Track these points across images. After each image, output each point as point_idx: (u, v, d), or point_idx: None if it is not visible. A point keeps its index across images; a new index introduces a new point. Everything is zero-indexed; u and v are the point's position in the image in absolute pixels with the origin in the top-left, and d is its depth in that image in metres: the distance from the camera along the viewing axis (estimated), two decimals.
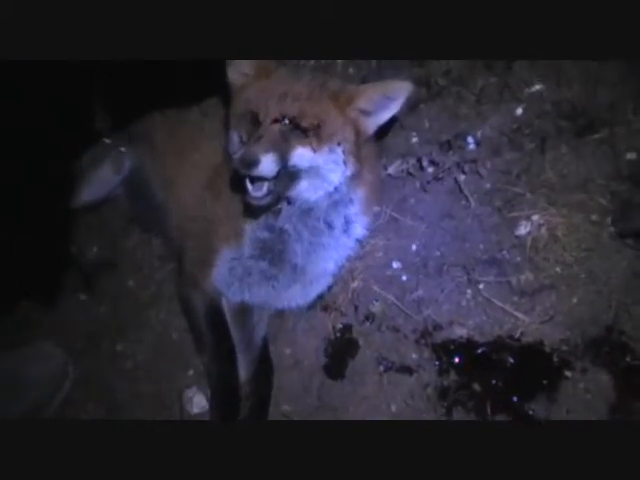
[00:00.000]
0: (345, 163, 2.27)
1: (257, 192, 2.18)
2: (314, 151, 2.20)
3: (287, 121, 2.18)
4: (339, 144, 2.24)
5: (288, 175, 2.20)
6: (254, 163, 2.07)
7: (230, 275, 2.56)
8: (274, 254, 2.47)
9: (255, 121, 2.22)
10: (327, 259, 2.51)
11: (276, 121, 2.18)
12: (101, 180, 3.14)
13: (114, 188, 3.16)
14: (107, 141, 3.00)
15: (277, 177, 2.16)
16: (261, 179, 2.15)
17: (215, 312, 2.67)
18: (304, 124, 2.19)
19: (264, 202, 2.21)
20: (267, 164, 2.09)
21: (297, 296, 2.61)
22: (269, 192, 2.18)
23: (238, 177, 2.22)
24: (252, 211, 2.39)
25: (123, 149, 3.03)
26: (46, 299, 3.11)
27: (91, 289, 3.15)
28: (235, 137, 2.31)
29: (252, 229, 2.46)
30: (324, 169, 2.25)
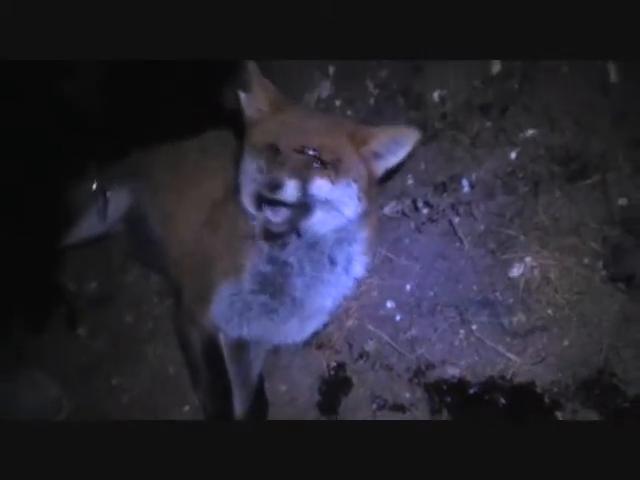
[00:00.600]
0: (359, 199, 2.31)
1: (277, 217, 2.22)
2: (332, 183, 2.24)
3: (309, 152, 2.23)
4: (355, 180, 2.29)
5: (305, 205, 2.24)
6: (279, 186, 2.12)
7: (229, 310, 2.56)
8: (275, 287, 2.49)
9: (275, 151, 2.25)
10: (325, 295, 2.53)
11: (297, 151, 2.23)
12: None
13: (114, 224, 3.19)
14: (94, 187, 3.02)
15: (294, 206, 2.21)
16: (281, 204, 2.20)
17: (212, 347, 2.67)
18: (324, 157, 2.23)
19: (281, 229, 2.26)
20: (291, 189, 2.14)
21: (294, 331, 2.62)
22: (287, 219, 2.23)
23: (259, 201, 2.27)
24: (269, 237, 2.39)
25: (109, 194, 3.05)
26: (37, 326, 3.12)
27: (78, 324, 3.17)
28: (254, 165, 2.32)
29: (253, 263, 2.47)
30: (339, 202, 2.29)
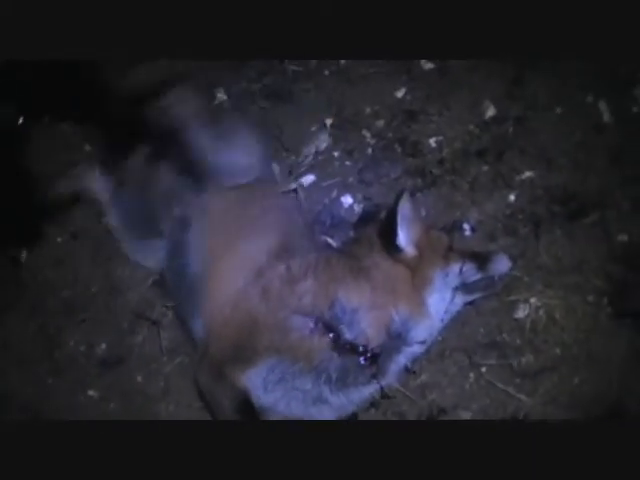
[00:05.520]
0: None
1: None
2: None
3: None
4: None
5: None
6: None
7: (274, 384, 2.39)
8: (336, 383, 2.38)
9: None
10: (373, 395, 2.50)
11: None
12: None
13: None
14: None
15: None
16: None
17: (246, 407, 2.42)
18: None
19: None
20: None
21: (327, 416, 2.48)
22: None
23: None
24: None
25: None
26: None
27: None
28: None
29: (325, 359, 2.34)
30: None
